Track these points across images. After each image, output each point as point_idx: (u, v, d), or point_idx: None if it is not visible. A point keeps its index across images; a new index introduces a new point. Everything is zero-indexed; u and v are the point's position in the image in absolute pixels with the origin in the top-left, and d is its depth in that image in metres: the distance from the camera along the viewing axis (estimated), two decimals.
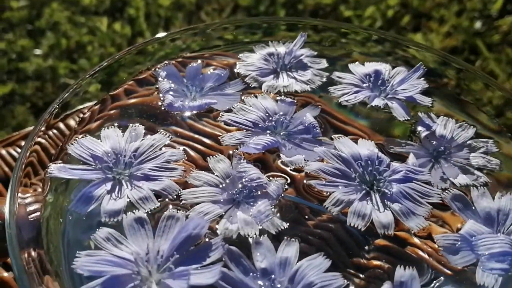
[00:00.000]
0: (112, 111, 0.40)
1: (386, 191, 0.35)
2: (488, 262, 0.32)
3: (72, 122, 0.43)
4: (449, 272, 0.33)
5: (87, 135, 0.37)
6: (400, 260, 0.34)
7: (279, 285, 0.29)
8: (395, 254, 0.35)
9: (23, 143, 0.55)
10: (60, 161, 0.36)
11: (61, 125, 0.44)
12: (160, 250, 0.30)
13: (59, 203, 0.35)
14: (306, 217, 0.36)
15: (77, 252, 0.30)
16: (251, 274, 0.30)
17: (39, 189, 0.36)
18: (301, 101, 0.42)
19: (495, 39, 1.33)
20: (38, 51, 1.34)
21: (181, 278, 0.28)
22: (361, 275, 0.33)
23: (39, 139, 0.38)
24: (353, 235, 0.35)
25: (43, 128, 0.36)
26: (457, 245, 0.33)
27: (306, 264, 0.30)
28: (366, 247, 0.35)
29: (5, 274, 0.44)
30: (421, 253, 0.35)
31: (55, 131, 0.44)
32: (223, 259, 0.30)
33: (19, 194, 0.33)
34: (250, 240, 0.31)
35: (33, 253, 0.31)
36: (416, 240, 0.35)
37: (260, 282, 0.30)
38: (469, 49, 1.33)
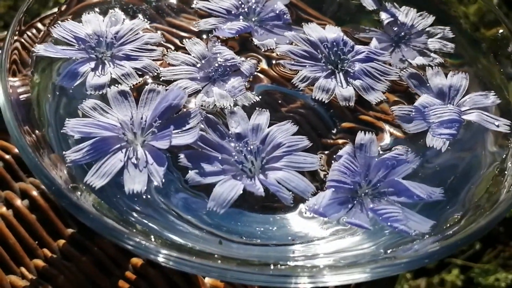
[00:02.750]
0: None
1: (349, 69, 0.38)
2: (437, 128, 0.36)
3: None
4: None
5: (69, 19, 0.39)
6: None
7: (252, 146, 0.33)
8: None
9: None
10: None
11: (39, 25, 0.45)
12: (143, 117, 0.33)
13: (46, 82, 0.37)
14: (280, 102, 0.39)
15: (66, 119, 0.32)
16: (226, 138, 0.33)
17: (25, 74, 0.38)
18: None
19: None
20: None
21: (164, 139, 0.32)
22: (326, 152, 0.37)
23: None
24: (322, 119, 0.39)
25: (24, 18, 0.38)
26: (411, 114, 0.36)
27: (275, 129, 0.34)
28: (334, 130, 0.38)
29: None
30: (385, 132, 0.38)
31: (34, 31, 0.45)
32: (201, 125, 0.33)
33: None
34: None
35: (30, 132, 0.33)
36: (384, 125, 0.38)
37: (234, 144, 0.33)
38: None
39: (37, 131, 0.33)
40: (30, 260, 0.40)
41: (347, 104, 0.36)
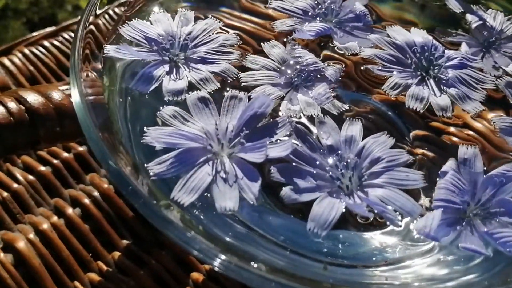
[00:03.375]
0: None
1: (442, 76, 0.35)
2: None
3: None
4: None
5: (136, 18, 0.36)
6: (439, 148, 0.35)
7: (348, 160, 0.30)
8: (434, 142, 0.36)
9: (45, 42, 0.53)
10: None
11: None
12: (229, 126, 0.30)
13: (113, 84, 0.34)
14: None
15: (145, 127, 0.29)
16: (317, 150, 0.30)
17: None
18: None
19: None
20: None
21: (257, 151, 0.29)
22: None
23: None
24: (394, 125, 0.36)
25: (95, 12, 0.35)
26: None
27: (371, 141, 0.31)
28: (408, 138, 0.35)
29: (43, 168, 0.44)
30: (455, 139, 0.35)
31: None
32: (292, 135, 0.30)
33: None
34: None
35: (107, 138, 0.30)
36: (452, 129, 0.36)
37: (328, 158, 0.30)
38: None
39: (111, 137, 0.31)
40: (84, 274, 0.38)
41: (444, 115, 0.34)
